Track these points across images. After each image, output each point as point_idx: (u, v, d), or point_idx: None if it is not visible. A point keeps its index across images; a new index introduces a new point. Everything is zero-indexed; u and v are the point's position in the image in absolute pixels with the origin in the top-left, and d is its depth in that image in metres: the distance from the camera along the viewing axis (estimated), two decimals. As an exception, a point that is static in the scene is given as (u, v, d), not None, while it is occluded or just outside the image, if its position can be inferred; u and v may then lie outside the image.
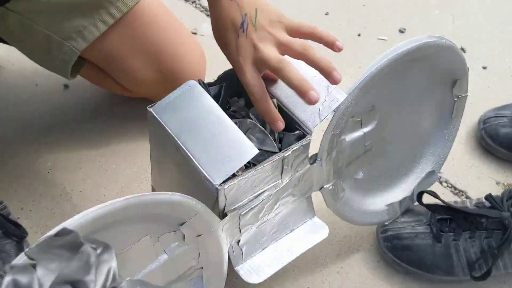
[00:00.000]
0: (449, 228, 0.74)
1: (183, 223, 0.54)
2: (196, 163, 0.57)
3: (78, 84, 0.93)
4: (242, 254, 0.66)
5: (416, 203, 0.77)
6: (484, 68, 1.06)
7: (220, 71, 0.67)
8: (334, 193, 0.70)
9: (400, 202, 0.78)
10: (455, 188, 0.87)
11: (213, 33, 0.65)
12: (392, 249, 0.76)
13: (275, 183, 0.62)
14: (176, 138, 0.58)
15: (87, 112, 0.93)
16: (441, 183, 0.88)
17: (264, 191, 0.62)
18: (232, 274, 0.67)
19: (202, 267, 0.60)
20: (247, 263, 0.67)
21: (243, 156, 0.57)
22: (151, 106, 0.61)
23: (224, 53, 0.64)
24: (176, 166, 0.62)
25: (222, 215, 0.59)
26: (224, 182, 0.56)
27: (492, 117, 0.92)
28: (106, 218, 0.47)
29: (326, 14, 1.15)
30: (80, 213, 0.45)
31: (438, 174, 0.87)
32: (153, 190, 0.76)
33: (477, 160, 0.91)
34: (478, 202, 0.75)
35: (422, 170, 0.79)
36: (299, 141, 0.61)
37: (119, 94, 0.89)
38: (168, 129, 0.59)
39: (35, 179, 0.85)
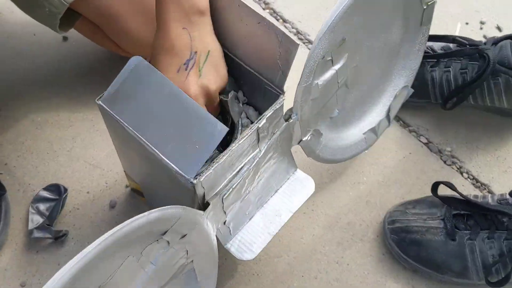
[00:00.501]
0: (466, 226, 0.66)
1: (165, 232, 0.47)
2: (163, 157, 0.50)
3: (77, 37, 0.86)
4: (230, 231, 0.60)
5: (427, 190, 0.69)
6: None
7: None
8: (314, 141, 0.65)
9: (376, 127, 0.73)
10: (477, 181, 0.79)
11: (152, 57, 0.57)
12: (399, 242, 0.68)
13: (253, 153, 0.56)
14: (134, 132, 0.51)
15: (83, 68, 0.86)
16: (461, 173, 0.79)
17: (243, 166, 0.55)
18: (221, 255, 0.60)
19: (192, 261, 0.54)
20: (236, 238, 0.61)
21: (213, 139, 0.50)
22: (100, 98, 0.53)
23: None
24: (143, 159, 0.56)
25: (204, 204, 0.53)
26: (199, 173, 0.49)
27: None
28: (82, 273, 0.40)
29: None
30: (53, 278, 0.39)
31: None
32: (126, 175, 0.71)
33: (504, 151, 0.82)
34: (501, 199, 0.67)
35: (395, 87, 0.73)
36: (272, 106, 0.54)
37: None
38: (123, 122, 0.52)
39: (22, 133, 0.79)
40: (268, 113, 0.54)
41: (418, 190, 0.77)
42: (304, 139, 0.63)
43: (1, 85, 0.84)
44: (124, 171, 0.70)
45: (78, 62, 0.86)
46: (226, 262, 0.70)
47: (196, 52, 0.55)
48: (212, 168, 0.50)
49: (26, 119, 0.80)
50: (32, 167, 0.76)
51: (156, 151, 0.50)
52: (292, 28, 0.94)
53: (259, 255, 0.61)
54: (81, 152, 0.78)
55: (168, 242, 0.49)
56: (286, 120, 0.58)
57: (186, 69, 0.55)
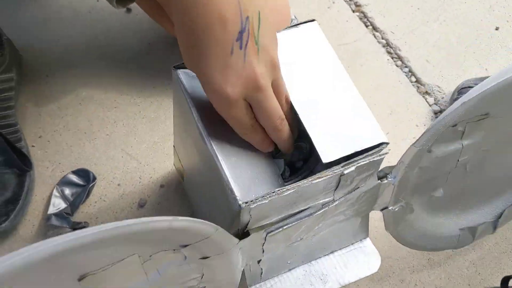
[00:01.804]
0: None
1: (187, 245, 0.40)
2: (220, 166, 0.42)
3: (142, 11, 0.79)
4: (262, 273, 0.51)
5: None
6: None
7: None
8: (400, 215, 0.53)
9: (478, 227, 0.59)
10: None
11: (177, 31, 0.42)
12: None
13: (324, 200, 0.46)
14: (201, 127, 0.43)
15: (142, 46, 0.79)
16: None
17: (307, 209, 0.46)
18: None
19: (205, 287, 0.46)
20: (265, 284, 0.52)
21: (275, 180, 0.43)
22: (178, 65, 0.46)
23: (188, 64, 0.42)
24: (197, 152, 0.48)
25: (243, 232, 0.44)
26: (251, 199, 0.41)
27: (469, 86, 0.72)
28: (70, 253, 0.33)
29: (463, -4, 0.92)
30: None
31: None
32: (174, 151, 0.62)
33: None
34: None
35: None
36: (370, 154, 0.43)
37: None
38: (192, 109, 0.44)
39: (64, 107, 0.73)
40: (362, 161, 0.43)
41: (493, 258, 0.64)
42: (390, 207, 0.52)
43: (54, 48, 0.78)
44: (174, 145, 0.62)
45: (138, 39, 0.79)
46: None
47: (247, 17, 0.39)
48: (269, 198, 0.41)
49: (71, 91, 0.74)
50: (67, 146, 0.70)
51: (216, 154, 0.42)
52: (382, 38, 0.82)
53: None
54: (120, 138, 0.71)
55: (185, 256, 0.41)
56: (380, 179, 0.47)
57: (241, 48, 0.39)
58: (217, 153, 0.43)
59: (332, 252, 0.54)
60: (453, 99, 0.74)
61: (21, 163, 0.64)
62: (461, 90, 0.73)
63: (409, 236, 0.57)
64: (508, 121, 0.49)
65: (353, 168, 0.43)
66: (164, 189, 0.67)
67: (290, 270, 0.53)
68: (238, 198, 0.41)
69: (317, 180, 0.43)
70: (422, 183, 0.51)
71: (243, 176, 0.42)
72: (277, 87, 0.43)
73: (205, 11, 0.38)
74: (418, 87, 0.78)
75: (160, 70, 0.76)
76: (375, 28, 0.83)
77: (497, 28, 0.86)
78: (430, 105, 0.76)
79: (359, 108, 0.45)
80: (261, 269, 0.50)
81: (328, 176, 0.43)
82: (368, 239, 0.55)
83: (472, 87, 0.69)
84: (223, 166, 0.42)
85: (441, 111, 0.75)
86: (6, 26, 0.72)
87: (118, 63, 0.77)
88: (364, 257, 0.54)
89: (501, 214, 0.60)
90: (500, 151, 0.53)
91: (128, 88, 0.74)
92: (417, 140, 0.45)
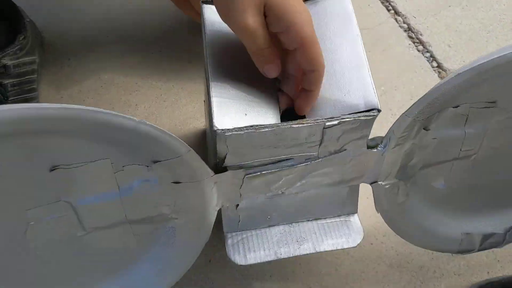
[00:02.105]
0: None
1: (157, 162, 0.40)
2: (210, 92, 0.43)
3: (164, -6, 0.79)
4: (239, 221, 0.51)
5: None
6: None
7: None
8: (390, 194, 0.52)
9: (485, 236, 0.57)
10: None
11: None
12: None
13: (307, 153, 0.46)
14: (208, 55, 0.45)
15: (164, 28, 0.79)
16: None
17: (288, 158, 0.46)
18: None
19: (177, 218, 0.47)
20: (241, 234, 0.52)
21: (267, 118, 0.43)
22: (205, 1, 0.48)
23: None
24: (205, 89, 0.49)
25: (221, 168, 0.45)
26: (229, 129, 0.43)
27: None
28: (36, 122, 0.34)
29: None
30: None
31: None
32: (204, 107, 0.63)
33: None
34: None
35: None
36: (355, 114, 0.43)
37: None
38: (206, 39, 0.46)
39: (86, 90, 0.73)
40: (346, 118, 0.43)
41: (514, 246, 0.64)
42: (380, 182, 0.50)
43: (75, 30, 0.78)
44: (204, 100, 0.63)
45: (159, 22, 0.79)
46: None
47: None
48: (245, 131, 0.42)
49: (93, 74, 0.74)
50: (89, 128, 0.71)
51: (210, 79, 0.44)
52: (404, 23, 0.81)
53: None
54: (141, 122, 0.71)
55: (158, 177, 0.42)
56: (370, 148, 0.47)
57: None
58: (211, 78, 0.44)
59: (316, 219, 0.54)
60: None
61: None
62: None
63: (402, 224, 0.55)
64: None
65: (335, 122, 0.43)
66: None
67: (269, 226, 0.53)
68: (215, 124, 0.41)
69: (297, 125, 0.43)
70: (418, 166, 0.50)
71: (231, 107, 0.43)
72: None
73: None
74: (439, 72, 0.78)
75: (181, 54, 0.76)
76: (397, 13, 0.82)
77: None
78: (451, 91, 0.76)
79: (361, 76, 0.45)
80: (239, 216, 0.51)
81: (309, 124, 0.43)
82: (356, 215, 0.54)
83: None
84: (212, 92, 0.43)
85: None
86: (28, 8, 0.73)
87: (139, 47, 0.77)
88: (347, 231, 0.53)
89: None
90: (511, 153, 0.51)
91: (149, 71, 0.75)
92: (408, 108, 0.44)
